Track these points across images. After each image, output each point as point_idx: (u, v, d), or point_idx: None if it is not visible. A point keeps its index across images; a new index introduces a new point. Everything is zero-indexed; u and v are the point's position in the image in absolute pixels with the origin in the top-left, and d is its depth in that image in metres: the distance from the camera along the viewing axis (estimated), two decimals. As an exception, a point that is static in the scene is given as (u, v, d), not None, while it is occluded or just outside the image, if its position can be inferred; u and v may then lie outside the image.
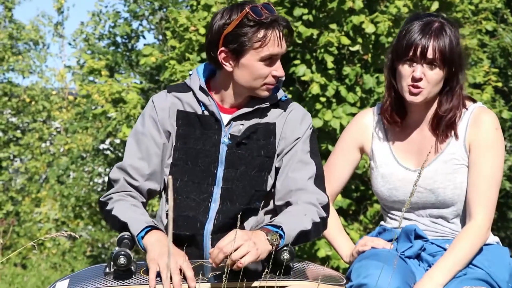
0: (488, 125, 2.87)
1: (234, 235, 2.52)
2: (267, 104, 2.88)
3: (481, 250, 2.87)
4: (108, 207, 2.81)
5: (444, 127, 2.89)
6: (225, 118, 2.86)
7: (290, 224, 2.65)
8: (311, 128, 2.91)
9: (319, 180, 2.85)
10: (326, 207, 2.80)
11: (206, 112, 2.86)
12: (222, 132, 2.84)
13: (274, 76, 2.82)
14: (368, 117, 3.05)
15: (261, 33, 2.77)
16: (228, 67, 2.82)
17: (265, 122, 2.87)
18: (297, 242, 2.67)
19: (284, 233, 2.61)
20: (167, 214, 2.91)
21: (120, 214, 2.75)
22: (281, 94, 2.92)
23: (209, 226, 2.81)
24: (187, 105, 2.88)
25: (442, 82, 2.88)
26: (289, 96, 8.04)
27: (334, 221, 3.07)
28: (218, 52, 2.81)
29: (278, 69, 2.82)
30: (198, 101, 2.88)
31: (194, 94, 2.88)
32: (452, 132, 2.89)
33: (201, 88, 2.88)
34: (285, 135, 2.87)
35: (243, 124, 2.85)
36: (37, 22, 15.20)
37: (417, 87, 2.85)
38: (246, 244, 2.52)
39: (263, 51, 2.78)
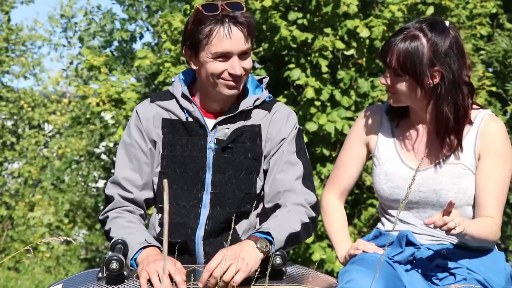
0: (499, 135, 2.89)
1: (222, 256, 2.51)
2: (250, 107, 2.86)
3: (477, 255, 2.88)
4: (106, 227, 2.83)
5: (447, 135, 2.88)
6: (210, 123, 2.86)
7: (278, 229, 2.64)
8: (296, 128, 2.89)
9: (307, 180, 2.84)
10: (314, 207, 2.79)
11: (190, 119, 2.86)
12: (208, 137, 2.84)
13: (230, 74, 2.78)
14: (374, 114, 3.04)
15: (207, 29, 2.74)
16: (193, 65, 2.83)
17: (250, 124, 2.86)
18: (287, 245, 2.66)
19: (273, 238, 2.60)
20: (159, 222, 2.91)
21: (116, 236, 2.74)
22: (265, 95, 2.91)
23: (200, 232, 2.81)
24: (171, 113, 2.88)
25: (414, 92, 2.85)
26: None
27: (340, 221, 3.07)
28: (184, 51, 2.84)
29: (233, 67, 2.77)
30: (182, 108, 2.87)
31: (177, 101, 2.88)
32: (456, 142, 2.88)
33: (183, 95, 2.87)
34: (270, 136, 2.86)
35: (228, 128, 2.85)
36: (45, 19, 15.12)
37: (389, 92, 2.89)
38: (235, 263, 2.52)
39: (212, 47, 2.74)
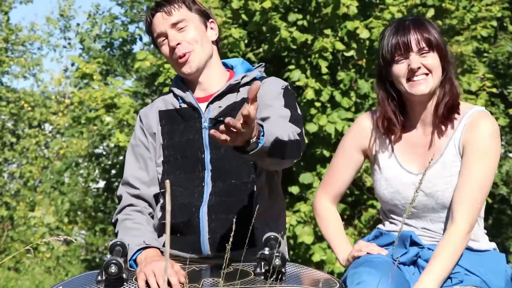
0: (485, 131, 2.83)
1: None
2: (238, 80, 2.93)
3: (477, 256, 2.87)
4: (116, 230, 2.92)
5: (445, 110, 2.87)
6: (203, 106, 2.93)
7: (270, 129, 2.51)
8: (284, 87, 2.91)
9: (296, 124, 2.76)
10: (300, 134, 2.72)
11: (184, 105, 2.95)
12: (202, 118, 2.91)
13: (171, 49, 2.91)
14: (370, 120, 3.04)
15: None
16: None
17: (241, 98, 2.91)
18: (272, 150, 2.50)
19: (264, 134, 2.47)
20: (161, 206, 2.94)
21: (121, 239, 2.77)
22: (255, 73, 2.98)
23: (204, 208, 2.83)
24: (169, 104, 2.98)
25: (440, 70, 2.87)
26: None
27: (336, 223, 3.08)
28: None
29: (171, 41, 2.92)
30: (176, 97, 2.98)
31: (173, 92, 2.99)
32: (455, 115, 2.88)
33: (177, 84, 2.98)
34: (259, 100, 2.87)
35: (220, 106, 2.91)
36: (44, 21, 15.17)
37: (417, 76, 2.84)
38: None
39: (155, 35, 2.96)
